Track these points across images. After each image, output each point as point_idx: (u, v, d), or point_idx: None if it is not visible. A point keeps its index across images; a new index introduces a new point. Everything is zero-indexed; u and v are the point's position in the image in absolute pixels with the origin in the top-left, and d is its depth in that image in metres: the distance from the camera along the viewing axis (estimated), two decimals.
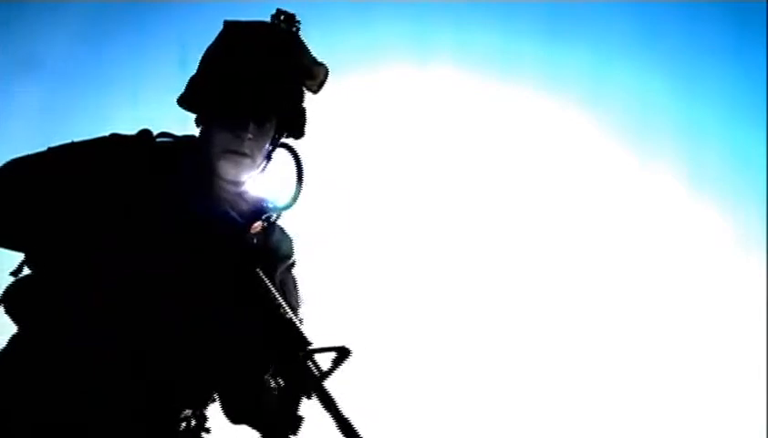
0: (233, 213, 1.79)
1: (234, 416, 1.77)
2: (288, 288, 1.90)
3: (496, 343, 3.58)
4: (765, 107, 3.72)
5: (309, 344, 1.63)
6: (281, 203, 1.88)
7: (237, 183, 1.83)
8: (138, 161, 1.78)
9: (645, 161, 3.81)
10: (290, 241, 1.93)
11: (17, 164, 1.77)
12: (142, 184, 1.75)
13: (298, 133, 1.92)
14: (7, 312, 1.76)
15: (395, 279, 3.49)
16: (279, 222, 1.89)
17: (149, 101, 3.52)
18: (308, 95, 1.91)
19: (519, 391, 3.59)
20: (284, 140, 1.87)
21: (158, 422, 1.71)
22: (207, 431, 1.82)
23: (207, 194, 1.79)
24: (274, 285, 1.72)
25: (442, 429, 3.43)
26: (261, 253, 1.82)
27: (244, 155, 1.80)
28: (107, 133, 1.87)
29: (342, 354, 1.60)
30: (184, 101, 1.88)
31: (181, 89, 1.88)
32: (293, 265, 1.94)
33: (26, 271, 1.77)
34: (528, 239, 3.70)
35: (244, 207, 1.82)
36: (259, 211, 1.83)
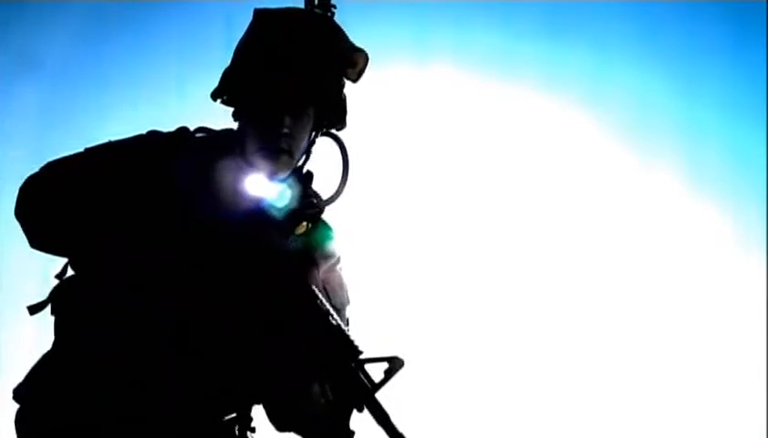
0: (274, 213, 1.70)
1: (279, 424, 1.70)
2: (332, 287, 1.82)
3: (496, 344, 3.58)
4: (765, 107, 3.72)
5: (360, 353, 1.55)
6: (324, 198, 1.79)
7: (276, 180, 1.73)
8: (175, 158, 1.69)
9: (645, 160, 3.81)
10: (333, 236, 1.84)
11: (54, 168, 1.72)
12: (179, 182, 1.67)
13: (339, 124, 1.83)
14: (53, 313, 1.73)
15: (395, 280, 3.49)
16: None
17: (149, 101, 3.52)
18: (348, 84, 1.80)
19: (519, 391, 3.59)
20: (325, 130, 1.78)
21: (200, 421, 1.67)
22: (252, 430, 1.76)
23: (245, 192, 1.69)
24: (318, 287, 1.65)
25: None
26: (304, 255, 1.75)
27: (282, 151, 1.71)
28: (144, 131, 1.79)
29: (394, 365, 1.53)
30: (219, 95, 1.80)
31: (215, 83, 1.79)
32: (337, 262, 1.86)
33: (71, 273, 1.75)
34: (528, 239, 3.70)
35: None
36: (302, 208, 1.74)
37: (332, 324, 1.57)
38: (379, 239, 3.44)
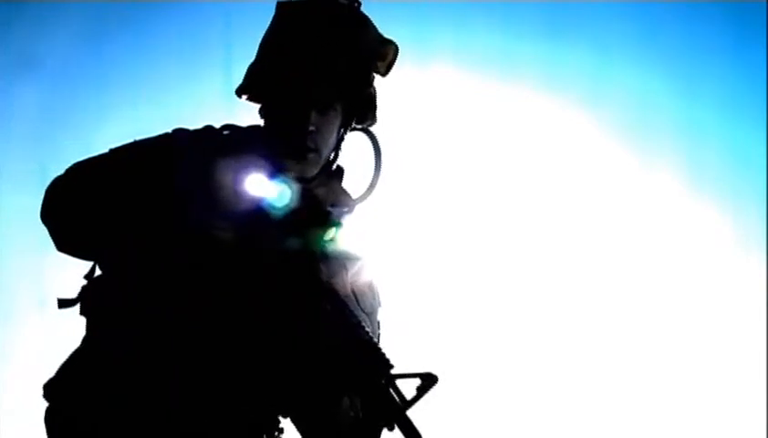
0: (289, 215, 1.62)
1: (306, 436, 1.65)
2: (361, 291, 1.75)
3: (496, 345, 3.58)
4: (765, 107, 3.72)
5: (391, 367, 1.47)
6: (354, 197, 1.74)
7: (303, 180, 1.68)
8: (202, 157, 1.63)
9: (645, 160, 3.81)
10: (362, 237, 1.75)
11: (79, 170, 1.68)
12: (204, 182, 1.61)
13: (369, 120, 1.76)
14: (82, 313, 1.70)
15: (394, 280, 3.48)
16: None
17: (149, 102, 3.52)
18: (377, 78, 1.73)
19: (520, 392, 3.59)
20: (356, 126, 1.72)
21: (212, 423, 1.62)
22: (281, 431, 1.71)
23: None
24: (347, 292, 1.60)
25: None
26: (333, 261, 1.66)
27: (307, 149, 1.65)
28: (169, 129, 1.74)
29: (428, 381, 1.44)
30: (244, 92, 1.74)
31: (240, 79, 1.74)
32: (366, 264, 1.79)
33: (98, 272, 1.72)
34: (529, 239, 3.70)
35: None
36: (328, 213, 1.64)
37: (362, 336, 1.49)
38: (379, 239, 3.44)
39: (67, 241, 1.69)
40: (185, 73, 3.57)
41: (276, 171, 1.64)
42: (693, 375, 3.70)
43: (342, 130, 1.73)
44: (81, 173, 1.68)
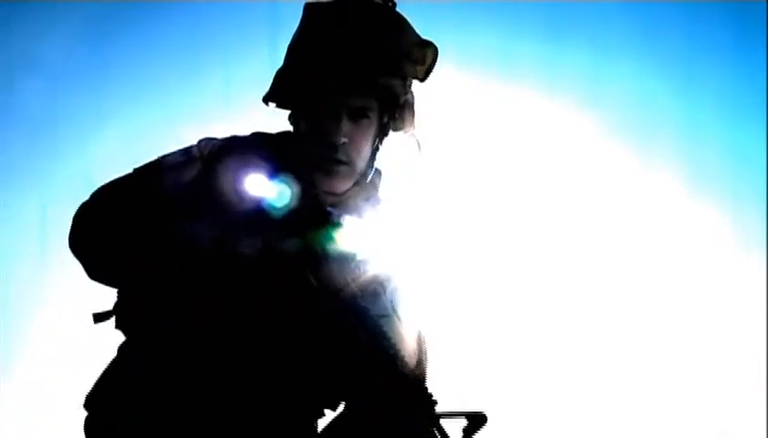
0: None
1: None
2: (373, 292, 1.65)
3: (495, 345, 3.58)
4: (765, 107, 3.72)
5: (435, 404, 1.38)
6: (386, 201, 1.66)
7: (336, 195, 1.59)
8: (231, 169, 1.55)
9: (644, 160, 3.80)
10: (367, 237, 1.64)
11: (104, 196, 1.61)
12: (235, 196, 1.54)
13: (407, 127, 1.65)
14: (118, 326, 1.64)
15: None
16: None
17: (149, 102, 3.52)
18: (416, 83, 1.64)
19: (519, 392, 3.59)
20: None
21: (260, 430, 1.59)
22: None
23: (303, 210, 1.55)
24: (352, 294, 1.52)
25: None
26: (335, 262, 1.57)
27: (339, 162, 1.55)
28: (194, 141, 1.65)
29: (475, 422, 1.33)
30: (272, 99, 1.63)
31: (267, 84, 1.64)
32: (374, 264, 1.67)
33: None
34: (528, 239, 3.69)
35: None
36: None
37: (404, 370, 1.40)
38: (386, 239, 3.43)
39: (97, 273, 1.64)
40: (186, 74, 3.56)
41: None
42: (693, 375, 3.70)
43: (377, 140, 1.63)
44: (105, 202, 1.61)
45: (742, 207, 3.79)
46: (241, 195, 1.55)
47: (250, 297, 1.55)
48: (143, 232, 1.54)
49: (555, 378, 3.62)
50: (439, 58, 1.62)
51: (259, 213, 1.56)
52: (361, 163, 1.60)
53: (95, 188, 1.65)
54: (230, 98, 3.46)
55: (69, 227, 1.63)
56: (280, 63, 1.64)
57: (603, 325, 3.67)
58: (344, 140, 1.54)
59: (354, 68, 1.53)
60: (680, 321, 3.72)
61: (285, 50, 1.64)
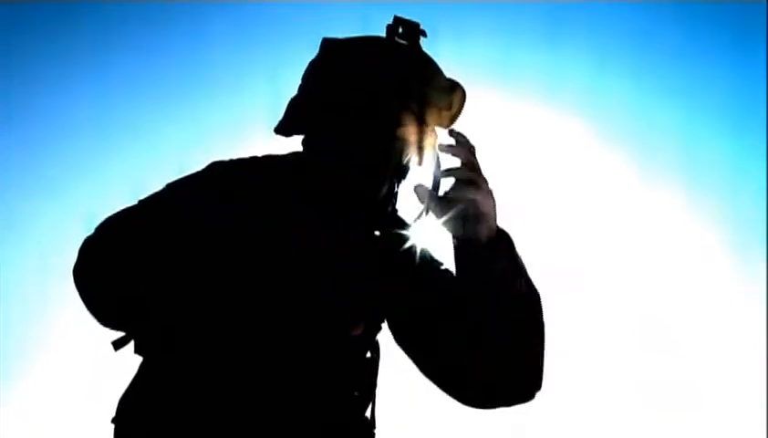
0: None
1: None
2: (397, 292, 1.66)
3: None
4: (765, 114, 3.73)
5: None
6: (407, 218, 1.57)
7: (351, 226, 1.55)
8: (245, 191, 1.49)
9: (643, 167, 3.82)
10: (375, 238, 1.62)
11: (109, 233, 1.52)
12: (251, 217, 1.47)
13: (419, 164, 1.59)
14: (137, 351, 1.57)
15: None
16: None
17: (149, 102, 3.53)
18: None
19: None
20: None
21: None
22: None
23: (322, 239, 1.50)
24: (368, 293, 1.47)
25: None
26: (349, 262, 1.52)
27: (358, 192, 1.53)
28: (205, 165, 1.57)
29: None
30: (287, 128, 1.56)
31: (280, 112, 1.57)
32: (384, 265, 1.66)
33: None
34: (527, 248, 3.70)
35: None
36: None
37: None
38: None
39: (106, 320, 1.58)
40: (187, 75, 3.58)
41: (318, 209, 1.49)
42: (694, 378, 3.71)
43: (396, 182, 1.59)
44: (111, 240, 1.52)
45: (742, 216, 3.81)
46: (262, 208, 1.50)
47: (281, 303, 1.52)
48: (151, 265, 1.48)
49: (556, 377, 3.63)
50: (466, 104, 1.57)
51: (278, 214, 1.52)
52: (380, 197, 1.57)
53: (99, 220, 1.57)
54: (231, 101, 3.47)
55: (74, 262, 1.55)
56: (280, 94, 1.61)
57: (605, 330, 3.68)
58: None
59: (376, 124, 1.49)
60: (680, 326, 3.73)
61: (307, 82, 1.58)
